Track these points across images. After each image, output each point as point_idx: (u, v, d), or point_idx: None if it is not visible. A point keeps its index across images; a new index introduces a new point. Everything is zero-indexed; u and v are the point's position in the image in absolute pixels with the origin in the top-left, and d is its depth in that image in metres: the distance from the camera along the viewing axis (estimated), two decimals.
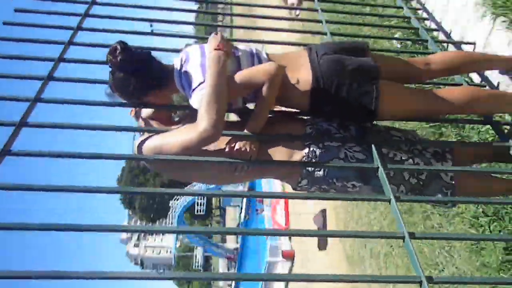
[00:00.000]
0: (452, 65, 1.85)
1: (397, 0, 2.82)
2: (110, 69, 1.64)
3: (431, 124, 2.70)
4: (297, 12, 7.72)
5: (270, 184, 17.08)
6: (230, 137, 1.61)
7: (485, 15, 2.33)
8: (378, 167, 1.54)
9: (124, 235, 45.41)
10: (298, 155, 1.64)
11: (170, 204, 35.59)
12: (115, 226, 1.39)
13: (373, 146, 1.61)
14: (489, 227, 2.55)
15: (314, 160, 1.63)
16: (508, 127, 1.93)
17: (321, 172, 1.64)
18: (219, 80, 1.49)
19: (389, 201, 1.43)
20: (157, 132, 1.67)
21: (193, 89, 1.58)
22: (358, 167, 1.62)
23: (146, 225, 46.50)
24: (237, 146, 1.59)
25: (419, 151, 1.73)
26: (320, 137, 1.66)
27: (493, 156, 1.90)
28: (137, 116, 1.83)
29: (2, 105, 1.88)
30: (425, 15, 2.91)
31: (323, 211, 8.14)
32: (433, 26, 2.80)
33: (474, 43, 2.40)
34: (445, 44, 2.61)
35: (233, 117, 1.86)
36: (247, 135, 1.60)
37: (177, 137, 1.56)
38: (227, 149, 1.60)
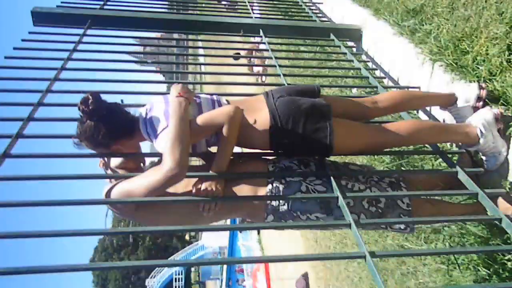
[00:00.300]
0: (396, 102, 2.02)
1: (348, 55, 3.09)
2: (80, 118, 1.71)
3: (386, 160, 2.85)
4: (264, 78, 8.17)
5: (249, 252, 16.75)
6: (196, 179, 1.68)
7: (424, 61, 2.59)
8: (338, 197, 1.63)
9: None
10: (262, 191, 1.71)
11: (146, 283, 33.88)
12: None
13: (331, 178, 1.71)
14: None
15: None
16: (454, 155, 2.09)
17: (285, 207, 1.70)
18: (181, 123, 1.59)
19: (349, 225, 1.50)
20: (125, 177, 1.71)
21: (157, 134, 1.66)
22: (320, 198, 1.70)
23: None
24: (203, 187, 1.65)
25: (376, 182, 1.83)
26: (282, 173, 1.75)
27: (445, 185, 2.02)
28: (106, 166, 1.88)
29: None
30: (374, 66, 3.20)
31: (305, 275, 8.00)
32: (382, 75, 3.06)
33: (418, 87, 2.62)
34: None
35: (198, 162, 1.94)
36: (213, 175, 1.67)
37: (144, 179, 1.60)
38: (194, 191, 1.66)
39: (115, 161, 1.87)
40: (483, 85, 2.05)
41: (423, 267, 3.28)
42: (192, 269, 38.58)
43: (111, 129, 1.70)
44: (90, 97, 1.66)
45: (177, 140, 1.54)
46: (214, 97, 1.86)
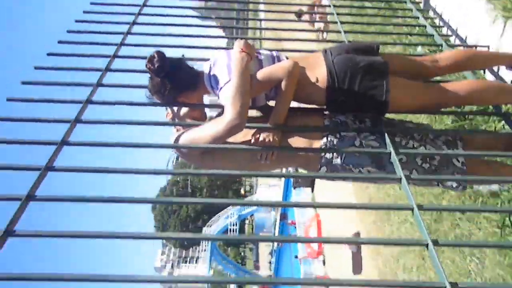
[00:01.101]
0: (459, 61, 1.98)
1: (414, 11, 2.98)
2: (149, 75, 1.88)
3: (448, 122, 2.80)
4: (325, 35, 8.00)
5: (302, 208, 17.04)
6: (255, 130, 1.80)
7: (496, 18, 2.45)
8: (390, 152, 1.68)
9: (158, 263, 45.63)
10: (317, 144, 1.80)
11: (203, 231, 35.80)
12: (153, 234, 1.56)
13: (386, 134, 1.76)
14: None
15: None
16: None
17: (338, 160, 1.79)
18: (242, 78, 1.70)
19: (400, 180, 1.56)
20: (191, 125, 1.88)
21: (220, 88, 1.79)
22: (373, 153, 1.76)
23: (180, 252, 46.67)
24: (261, 137, 1.77)
25: (431, 139, 1.85)
26: (337, 128, 1.82)
27: (504, 148, 1.98)
28: (173, 118, 2.06)
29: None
30: (441, 23, 3.06)
31: (357, 234, 8.08)
32: (449, 32, 2.93)
33: (487, 46, 2.51)
34: None
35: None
36: (270, 127, 1.78)
37: (207, 129, 1.76)
38: (253, 140, 1.78)
39: (182, 111, 2.04)
40: None
41: (478, 231, 3.24)
42: (246, 221, 40.10)
43: (176, 84, 1.86)
44: (156, 55, 1.82)
45: (238, 93, 1.66)
46: (274, 53, 1.94)
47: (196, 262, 42.61)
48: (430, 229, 3.87)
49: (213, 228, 34.00)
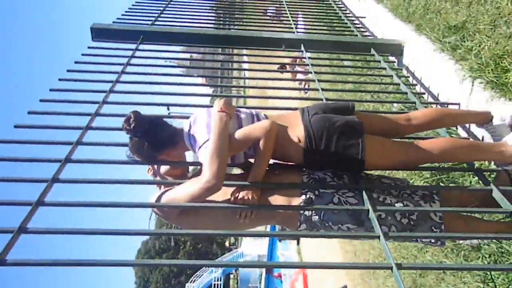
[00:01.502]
0: (431, 119, 2.06)
1: (388, 70, 3.13)
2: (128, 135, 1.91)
3: (426, 175, 2.86)
4: (307, 92, 8.28)
5: (288, 261, 16.73)
6: (235, 188, 1.80)
7: (464, 78, 2.59)
8: (368, 209, 1.70)
9: None
10: (296, 202, 1.81)
11: (186, 287, 34.52)
12: None
13: (363, 191, 1.78)
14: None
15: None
16: (489, 173, 2.09)
17: (317, 217, 1.79)
18: (220, 138, 1.73)
19: (378, 237, 1.57)
20: (171, 183, 1.89)
21: (199, 147, 1.81)
22: (352, 210, 1.77)
23: None
24: (240, 195, 1.77)
25: (408, 195, 1.88)
26: (316, 185, 1.84)
27: (480, 202, 2.02)
28: (155, 174, 2.06)
29: None
30: (415, 82, 3.21)
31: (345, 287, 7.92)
32: (422, 90, 3.07)
33: (458, 104, 2.63)
34: None
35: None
36: (249, 185, 1.80)
37: (185, 189, 1.76)
38: (232, 199, 1.78)
39: (163, 169, 2.04)
40: None
41: (463, 285, 3.22)
42: (231, 276, 38.84)
43: (154, 143, 1.88)
44: (132, 115, 1.85)
45: (215, 153, 1.68)
46: (254, 111, 1.99)
47: None
48: (416, 283, 3.84)
49: (196, 283, 32.84)
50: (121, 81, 2.77)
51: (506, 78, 2.26)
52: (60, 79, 2.69)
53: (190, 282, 33.24)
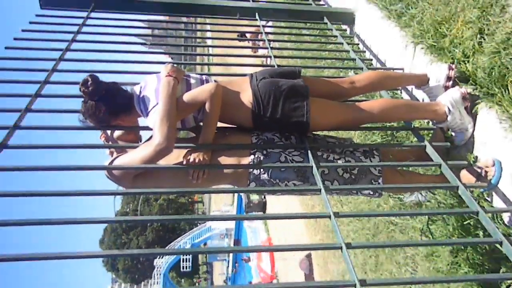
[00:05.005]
0: (373, 82, 2.18)
1: (339, 37, 3.23)
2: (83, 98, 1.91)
3: (376, 139, 3.03)
4: (269, 61, 8.32)
5: (255, 233, 17.09)
6: (187, 151, 1.87)
7: (408, 44, 2.73)
8: (312, 166, 1.81)
9: None
10: (245, 161, 1.90)
11: (154, 263, 34.63)
12: None
13: (309, 150, 1.89)
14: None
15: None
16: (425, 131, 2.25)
17: (265, 175, 1.89)
18: (169, 102, 1.77)
19: (320, 190, 1.69)
20: (124, 147, 1.93)
21: (148, 111, 1.85)
22: (297, 168, 1.88)
23: (131, 287, 44.70)
24: (191, 157, 1.84)
25: (351, 152, 2.01)
26: (264, 145, 1.93)
27: (416, 158, 2.19)
28: (107, 139, 2.08)
29: None
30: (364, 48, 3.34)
31: (308, 255, 8.25)
32: (371, 57, 3.20)
33: (402, 69, 2.77)
34: None
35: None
36: (200, 146, 1.86)
37: (137, 153, 1.81)
38: (184, 162, 1.85)
39: (116, 134, 2.07)
40: (453, 66, 2.20)
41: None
42: None
43: (110, 107, 1.91)
44: (89, 79, 1.86)
45: (164, 117, 1.73)
46: (204, 77, 2.04)
47: None
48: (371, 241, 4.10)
49: (165, 258, 33.03)
50: (72, 49, 2.73)
51: (444, 43, 2.40)
52: (6, 47, 2.62)
53: (159, 258, 33.37)
